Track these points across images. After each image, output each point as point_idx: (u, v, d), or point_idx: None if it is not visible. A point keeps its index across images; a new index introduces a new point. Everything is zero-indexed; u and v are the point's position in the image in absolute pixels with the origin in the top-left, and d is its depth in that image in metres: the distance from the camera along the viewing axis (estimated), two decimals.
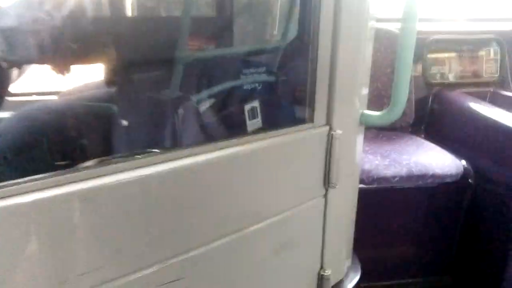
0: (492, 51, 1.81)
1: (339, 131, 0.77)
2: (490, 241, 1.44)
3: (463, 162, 1.51)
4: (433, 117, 1.77)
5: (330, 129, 0.77)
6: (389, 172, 1.34)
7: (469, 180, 1.48)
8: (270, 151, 0.70)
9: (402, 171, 1.35)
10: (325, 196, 0.81)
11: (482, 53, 1.80)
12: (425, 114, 1.78)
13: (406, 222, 1.49)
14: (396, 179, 1.34)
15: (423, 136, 1.74)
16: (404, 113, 1.70)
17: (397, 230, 1.51)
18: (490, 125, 1.46)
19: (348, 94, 0.81)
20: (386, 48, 1.68)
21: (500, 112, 1.47)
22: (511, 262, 1.33)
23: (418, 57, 1.77)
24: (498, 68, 1.80)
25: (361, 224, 0.97)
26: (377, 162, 1.39)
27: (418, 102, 1.75)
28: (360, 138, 0.90)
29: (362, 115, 0.89)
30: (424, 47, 1.77)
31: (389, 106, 0.87)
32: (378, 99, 1.69)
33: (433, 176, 1.37)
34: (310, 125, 0.76)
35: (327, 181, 0.80)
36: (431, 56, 1.78)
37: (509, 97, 1.74)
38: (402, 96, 0.84)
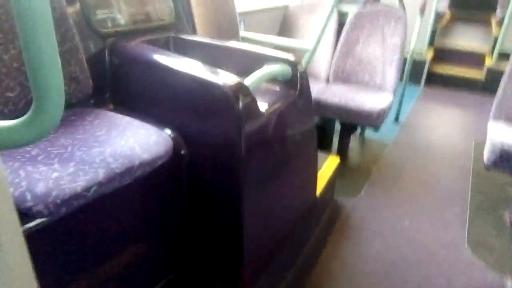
0: None
1: None
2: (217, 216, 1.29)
3: (168, 131, 1.23)
4: (116, 79, 1.35)
5: None
6: (79, 184, 0.86)
7: (182, 151, 1.23)
8: None
9: (98, 174, 0.90)
10: None
11: None
12: (106, 76, 1.34)
13: (118, 234, 1.10)
14: (93, 189, 0.88)
15: (111, 107, 1.32)
16: (78, 81, 1.20)
17: (113, 245, 1.10)
18: (183, 78, 1.20)
19: None
20: None
21: (189, 62, 1.23)
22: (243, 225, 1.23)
23: None
24: (173, 9, 1.56)
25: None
26: (56, 174, 0.86)
27: (92, 60, 1.27)
28: None
29: None
30: None
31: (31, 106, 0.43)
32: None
33: (141, 165, 1.00)
34: None
35: None
36: None
37: (192, 42, 1.55)
38: (53, 81, 0.48)
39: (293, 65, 1.40)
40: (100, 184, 0.89)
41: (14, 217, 0.58)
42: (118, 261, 1.11)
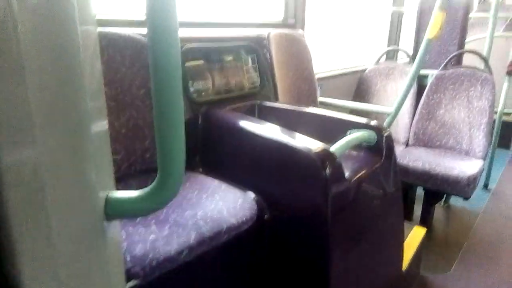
0: (250, 59, 1.65)
1: None
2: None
3: (252, 194, 1.24)
4: (206, 143, 1.43)
5: None
6: (173, 247, 0.89)
7: (265, 216, 1.23)
8: None
9: (190, 238, 0.92)
10: None
11: (240, 62, 1.61)
12: (197, 140, 1.43)
13: None
14: (185, 252, 0.90)
15: (200, 170, 1.39)
16: None
17: None
18: (268, 143, 1.24)
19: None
20: (133, 61, 1.21)
21: (274, 128, 1.27)
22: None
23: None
24: (258, 78, 1.66)
25: None
26: (153, 236, 0.90)
27: (186, 127, 1.37)
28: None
29: (108, 202, 0.49)
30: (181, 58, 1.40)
31: (156, 177, 0.50)
32: (135, 132, 1.21)
33: (229, 229, 1.01)
34: None
35: None
36: (190, 69, 1.43)
37: (275, 108, 1.62)
38: (177, 148, 0.51)
39: (378, 130, 1.37)
40: (191, 247, 0.91)
41: (122, 281, 0.60)
42: None
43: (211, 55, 1.53)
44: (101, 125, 0.52)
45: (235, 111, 1.47)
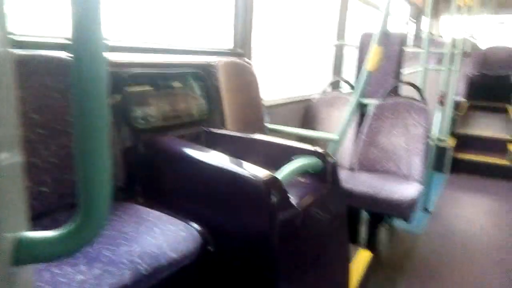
0: (198, 86, 1.62)
1: None
2: None
3: (196, 225, 1.19)
4: (148, 172, 1.36)
5: None
6: None
7: (208, 247, 1.17)
8: None
9: (125, 277, 0.85)
10: None
11: (188, 89, 1.58)
12: (138, 169, 1.36)
13: None
14: None
15: (141, 201, 1.31)
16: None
17: None
18: (213, 171, 1.20)
19: None
20: (67, 85, 1.13)
21: (220, 155, 1.24)
22: None
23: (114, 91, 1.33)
24: (206, 105, 1.63)
25: None
26: (81, 277, 0.81)
27: (125, 153, 1.30)
28: None
29: (18, 244, 0.44)
30: (122, 83, 1.34)
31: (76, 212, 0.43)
32: (67, 162, 1.11)
33: (170, 265, 0.95)
34: None
35: None
36: (133, 94, 1.37)
37: (222, 135, 1.60)
38: (101, 180, 0.46)
39: (324, 157, 1.40)
40: (125, 287, 0.83)
41: None
42: None
43: (157, 81, 1.49)
44: (11, 157, 0.46)
45: (181, 138, 1.42)
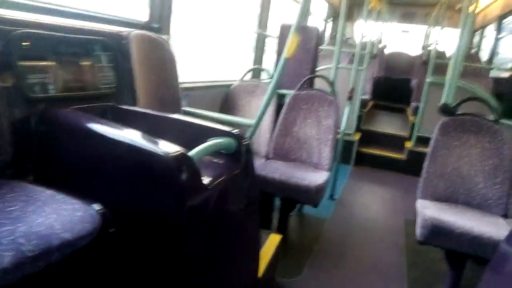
0: (106, 57, 1.48)
1: None
2: None
3: (97, 206, 1.09)
4: (42, 148, 1.21)
5: None
6: None
7: (110, 229, 1.08)
8: None
9: (3, 260, 0.73)
10: None
11: (94, 59, 1.43)
12: (31, 144, 1.20)
13: None
14: None
15: (32, 178, 1.16)
16: None
17: None
18: (118, 147, 1.11)
19: None
20: None
21: (127, 131, 1.15)
22: None
23: (7, 63, 1.15)
24: (115, 79, 1.51)
25: None
26: None
27: (16, 127, 1.14)
28: None
29: None
30: (12, 45, 1.16)
31: None
32: None
33: (61, 246, 0.85)
34: None
35: None
36: (25, 57, 1.19)
37: (132, 112, 1.49)
38: None
39: (238, 138, 1.39)
40: (4, 271, 0.72)
41: None
42: None
43: (57, 46, 1.32)
44: None
45: (82, 112, 1.29)
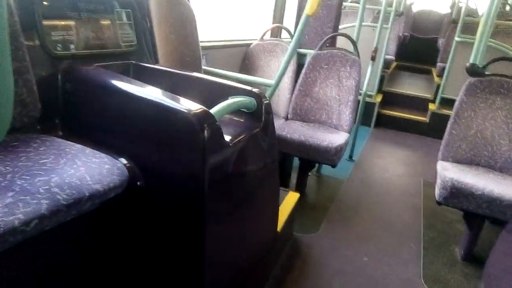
0: (125, 15, 1.48)
1: None
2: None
3: (124, 160, 1.14)
4: (69, 104, 1.25)
5: None
6: (16, 218, 0.74)
7: (138, 182, 1.14)
8: None
9: (41, 207, 0.79)
10: None
11: (113, 16, 1.43)
12: (58, 100, 1.24)
13: (65, 273, 0.96)
14: (34, 223, 0.77)
15: (60, 134, 1.21)
16: (24, 104, 1.09)
17: None
18: (142, 104, 1.14)
19: None
20: None
21: (149, 88, 1.17)
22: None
23: (31, 22, 1.17)
24: (135, 37, 1.51)
25: None
26: None
27: (43, 84, 1.17)
28: None
29: None
30: (35, 4, 1.17)
31: None
32: None
33: (92, 197, 0.90)
34: None
35: None
36: (47, 13, 1.21)
37: (154, 70, 1.50)
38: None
39: (258, 97, 1.40)
40: (42, 217, 0.78)
41: None
42: None
43: (77, 4, 1.33)
44: None
45: (105, 69, 1.31)
